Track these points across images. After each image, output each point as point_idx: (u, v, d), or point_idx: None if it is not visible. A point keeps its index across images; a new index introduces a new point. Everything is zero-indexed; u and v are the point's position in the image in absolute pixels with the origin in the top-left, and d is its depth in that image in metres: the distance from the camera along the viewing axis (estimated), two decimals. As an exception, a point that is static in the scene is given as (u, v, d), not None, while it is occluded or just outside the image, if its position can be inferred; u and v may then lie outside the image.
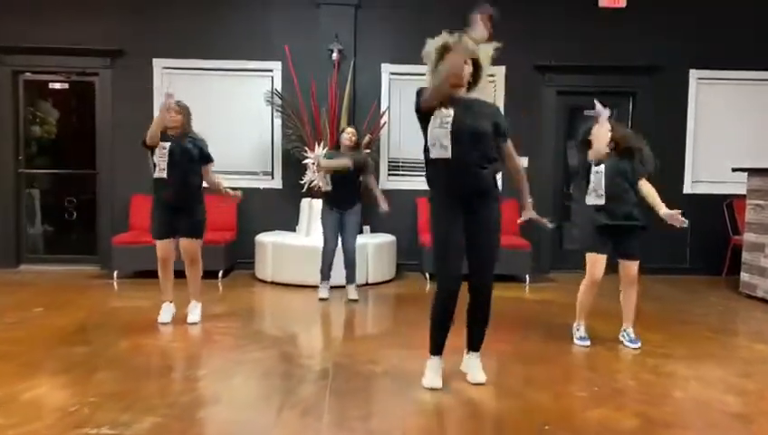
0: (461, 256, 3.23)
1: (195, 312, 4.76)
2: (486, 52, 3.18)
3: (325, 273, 5.71)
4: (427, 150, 3.26)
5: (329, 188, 5.59)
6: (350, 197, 5.61)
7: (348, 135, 5.63)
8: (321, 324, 5.07)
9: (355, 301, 5.62)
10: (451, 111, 3.13)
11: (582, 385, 3.51)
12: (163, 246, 4.62)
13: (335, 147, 5.80)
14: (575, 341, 4.28)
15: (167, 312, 4.71)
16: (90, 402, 3.04)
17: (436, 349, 3.37)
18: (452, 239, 3.21)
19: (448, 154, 3.12)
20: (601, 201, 4.11)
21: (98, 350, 4.02)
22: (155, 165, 4.55)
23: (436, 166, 3.22)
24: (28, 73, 7.23)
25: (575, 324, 4.36)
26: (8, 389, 3.23)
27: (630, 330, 4.28)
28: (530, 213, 3.49)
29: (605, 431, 2.84)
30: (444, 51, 3.19)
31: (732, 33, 7.26)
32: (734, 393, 3.39)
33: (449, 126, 3.11)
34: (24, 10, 6.98)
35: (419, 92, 3.23)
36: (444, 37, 3.23)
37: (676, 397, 3.33)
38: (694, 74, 7.36)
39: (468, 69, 3.19)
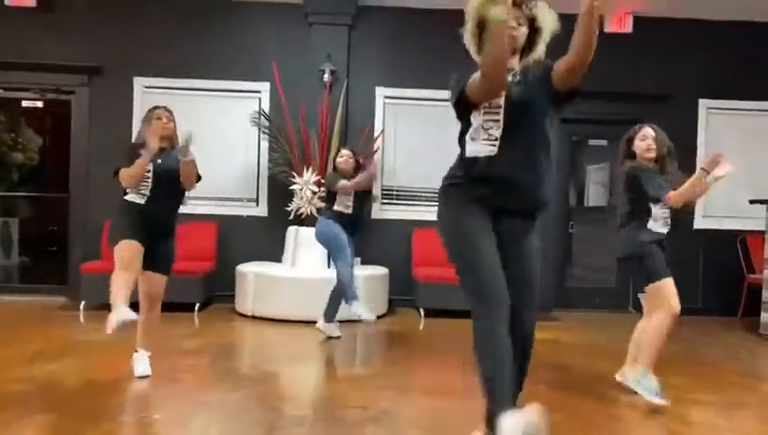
0: (499, 267, 2.32)
1: (145, 362, 3.80)
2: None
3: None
4: (462, 144, 2.47)
5: (349, 211, 5.04)
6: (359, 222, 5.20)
7: (344, 157, 5.17)
8: (303, 363, 4.53)
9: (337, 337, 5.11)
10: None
11: (604, 437, 3.00)
12: (132, 246, 3.63)
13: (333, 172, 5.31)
14: (649, 397, 3.43)
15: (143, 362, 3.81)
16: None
17: (501, 401, 2.17)
18: (485, 245, 2.33)
19: (495, 150, 2.33)
20: (666, 229, 3.63)
21: (42, 388, 3.49)
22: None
23: (473, 168, 2.39)
24: (0, 90, 6.82)
25: (639, 376, 3.52)
26: None
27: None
28: None
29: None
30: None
31: (743, 62, 6.95)
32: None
33: (500, 111, 2.34)
34: (-1, 23, 6.62)
35: (459, 79, 2.42)
36: None
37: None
38: (704, 104, 7.02)
39: (523, 29, 2.43)
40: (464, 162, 2.43)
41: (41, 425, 2.88)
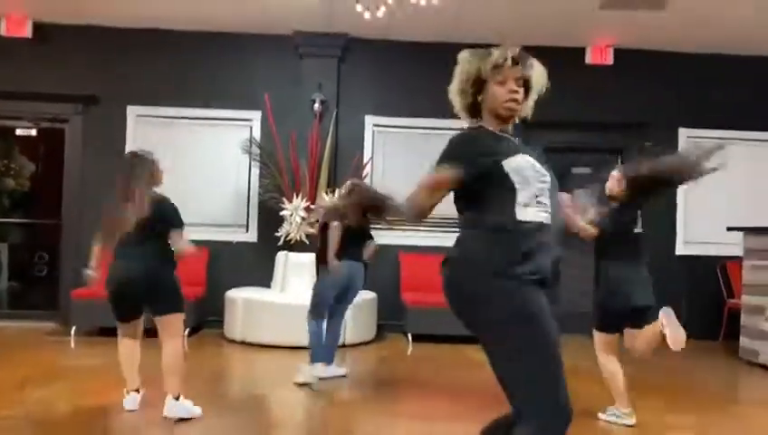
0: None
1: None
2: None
3: None
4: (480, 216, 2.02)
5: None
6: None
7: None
8: (291, 389, 4.60)
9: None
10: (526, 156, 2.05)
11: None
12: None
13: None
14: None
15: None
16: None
17: None
18: (556, 345, 1.93)
19: (546, 216, 2.02)
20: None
21: (29, 413, 3.55)
22: None
23: (516, 235, 1.96)
24: (-5, 118, 6.95)
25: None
26: None
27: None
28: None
29: None
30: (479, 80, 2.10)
31: (720, 91, 7.17)
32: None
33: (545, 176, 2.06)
34: (-6, 53, 6.75)
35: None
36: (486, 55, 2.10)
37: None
38: (683, 133, 7.23)
39: (521, 92, 2.13)
40: (511, 236, 1.96)
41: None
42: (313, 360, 4.56)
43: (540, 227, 1.97)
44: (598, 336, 3.76)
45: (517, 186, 1.97)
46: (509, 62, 2.05)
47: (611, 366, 3.72)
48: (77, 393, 3.99)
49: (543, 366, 1.88)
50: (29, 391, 3.99)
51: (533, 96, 2.21)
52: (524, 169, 2.00)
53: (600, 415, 3.75)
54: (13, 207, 7.44)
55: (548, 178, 2.05)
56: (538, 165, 2.05)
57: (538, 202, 1.99)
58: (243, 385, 4.80)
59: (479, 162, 2.00)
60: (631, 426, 3.63)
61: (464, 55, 2.15)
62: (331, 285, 4.60)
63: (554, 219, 2.05)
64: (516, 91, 2.09)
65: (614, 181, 3.81)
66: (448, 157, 2.06)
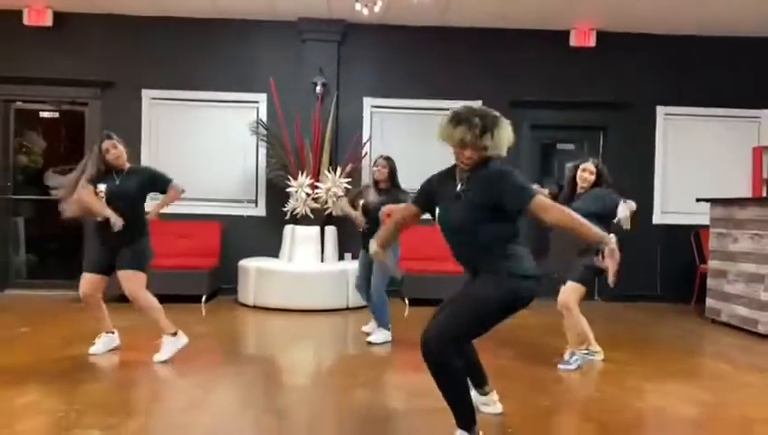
0: None
1: (162, 349, 4.31)
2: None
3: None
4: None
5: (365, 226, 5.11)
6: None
7: (378, 168, 5.14)
8: (300, 345, 5.21)
9: (370, 343, 5.03)
10: None
11: (548, 396, 3.70)
12: (87, 281, 4.32)
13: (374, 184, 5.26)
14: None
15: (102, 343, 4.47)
16: (77, 409, 3.18)
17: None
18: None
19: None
20: None
21: (82, 364, 4.14)
22: None
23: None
24: (19, 102, 7.42)
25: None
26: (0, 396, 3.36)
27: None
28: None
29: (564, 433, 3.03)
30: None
31: (696, 72, 7.66)
32: (690, 404, 3.61)
33: None
34: (17, 40, 7.20)
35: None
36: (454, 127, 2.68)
37: (636, 407, 3.52)
38: (661, 110, 7.73)
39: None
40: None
41: (89, 391, 3.54)
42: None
43: None
44: (577, 288, 4.31)
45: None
46: (468, 137, 2.64)
47: (579, 313, 4.32)
48: (115, 349, 4.56)
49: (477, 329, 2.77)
50: (77, 347, 4.57)
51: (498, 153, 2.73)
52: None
53: (565, 366, 4.25)
54: (29, 181, 7.90)
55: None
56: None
57: None
58: (258, 342, 5.39)
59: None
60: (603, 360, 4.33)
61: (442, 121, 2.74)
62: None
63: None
64: (469, 157, 2.68)
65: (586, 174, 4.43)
66: None
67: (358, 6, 5.30)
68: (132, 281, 4.25)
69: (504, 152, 2.74)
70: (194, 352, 4.61)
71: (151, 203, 4.56)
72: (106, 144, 4.31)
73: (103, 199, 4.20)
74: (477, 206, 2.67)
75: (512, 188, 2.62)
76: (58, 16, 7.19)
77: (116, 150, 4.32)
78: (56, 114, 7.57)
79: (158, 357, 4.23)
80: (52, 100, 7.40)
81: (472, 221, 2.69)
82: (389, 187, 5.11)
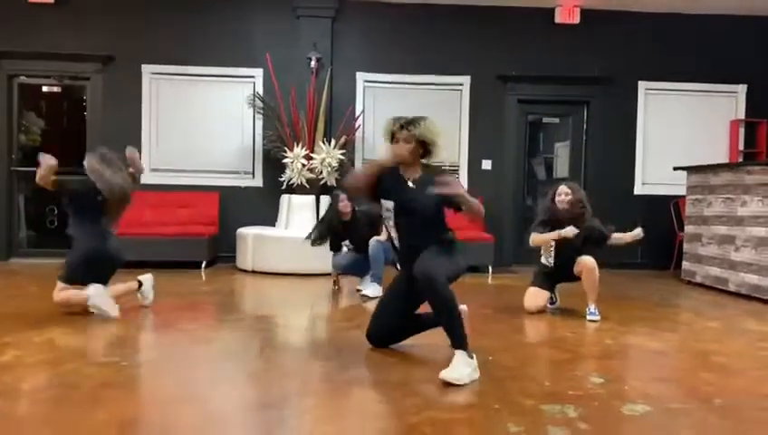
0: None
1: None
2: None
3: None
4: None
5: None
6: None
7: (342, 203, 5.56)
8: (297, 299, 5.51)
9: (363, 296, 5.43)
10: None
11: (527, 334, 4.02)
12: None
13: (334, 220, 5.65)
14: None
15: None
16: (94, 343, 3.48)
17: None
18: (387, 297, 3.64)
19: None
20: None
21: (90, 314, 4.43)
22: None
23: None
24: (23, 77, 7.65)
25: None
26: (22, 334, 3.65)
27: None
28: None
29: (540, 360, 3.35)
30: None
31: (676, 48, 7.97)
32: (656, 340, 3.94)
33: None
34: (21, 17, 7.43)
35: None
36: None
37: (606, 342, 3.85)
38: (642, 85, 8.03)
39: (408, 147, 3.32)
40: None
41: (103, 331, 3.84)
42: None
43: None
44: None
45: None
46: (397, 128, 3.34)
47: None
48: (125, 299, 4.85)
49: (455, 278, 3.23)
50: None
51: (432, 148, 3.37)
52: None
53: (594, 317, 4.54)
54: (33, 151, 8.09)
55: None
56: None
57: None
58: (256, 300, 5.69)
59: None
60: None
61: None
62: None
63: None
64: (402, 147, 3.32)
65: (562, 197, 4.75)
66: None
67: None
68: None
69: (435, 148, 3.40)
70: (198, 305, 4.93)
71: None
72: None
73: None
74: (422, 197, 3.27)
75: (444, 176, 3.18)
76: (60, -7, 7.43)
77: None
78: (58, 89, 7.79)
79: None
80: (54, 74, 7.63)
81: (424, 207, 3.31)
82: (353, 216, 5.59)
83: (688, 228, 6.72)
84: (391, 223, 3.36)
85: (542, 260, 4.83)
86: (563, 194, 4.74)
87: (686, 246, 6.76)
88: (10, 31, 7.44)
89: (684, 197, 7.31)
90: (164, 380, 2.94)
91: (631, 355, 3.62)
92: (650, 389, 2.91)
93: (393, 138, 3.33)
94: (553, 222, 4.68)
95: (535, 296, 4.75)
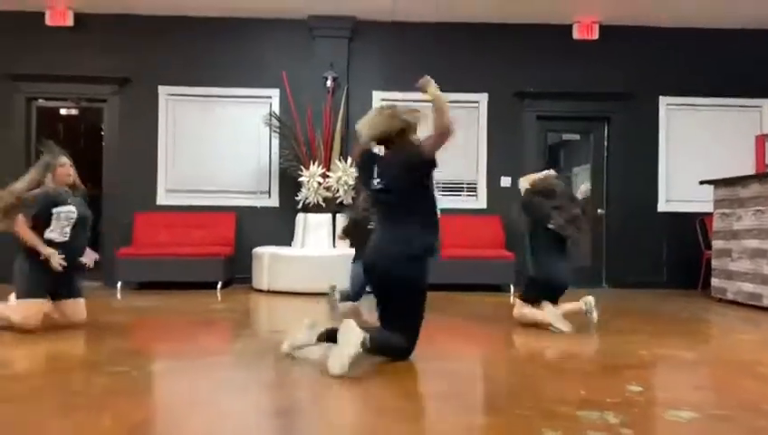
0: None
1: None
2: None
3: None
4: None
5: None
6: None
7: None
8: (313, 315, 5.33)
9: None
10: None
11: (553, 346, 3.84)
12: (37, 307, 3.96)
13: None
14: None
15: None
16: (105, 355, 3.35)
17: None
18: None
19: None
20: None
21: (107, 328, 4.32)
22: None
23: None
24: (41, 100, 7.68)
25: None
26: (33, 346, 3.54)
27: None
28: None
29: (570, 370, 3.17)
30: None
31: (697, 63, 7.84)
32: (691, 351, 3.74)
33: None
34: (40, 40, 7.49)
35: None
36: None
37: (640, 353, 3.65)
38: (663, 101, 7.89)
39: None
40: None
41: (113, 343, 3.71)
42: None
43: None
44: None
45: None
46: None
47: None
48: (144, 317, 4.76)
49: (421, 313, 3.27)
50: (99, 316, 4.75)
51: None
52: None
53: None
54: None
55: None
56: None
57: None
58: (271, 318, 5.55)
59: None
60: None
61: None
62: None
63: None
64: None
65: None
66: None
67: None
68: (80, 307, 4.24)
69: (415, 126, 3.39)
70: (211, 321, 4.80)
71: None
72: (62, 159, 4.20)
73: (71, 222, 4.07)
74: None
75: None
76: (78, 17, 7.48)
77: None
78: (75, 112, 7.82)
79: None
80: (72, 97, 7.65)
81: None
82: None
83: (717, 244, 6.50)
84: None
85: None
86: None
87: (714, 263, 6.53)
88: (29, 54, 7.50)
89: (710, 214, 7.11)
90: (174, 387, 2.81)
91: (667, 365, 3.42)
92: (692, 396, 2.72)
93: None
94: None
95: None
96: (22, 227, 3.91)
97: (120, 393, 2.61)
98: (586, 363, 3.37)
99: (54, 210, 3.97)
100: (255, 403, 2.60)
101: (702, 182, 6.73)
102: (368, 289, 5.39)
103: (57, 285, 4.05)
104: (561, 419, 2.34)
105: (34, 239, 3.91)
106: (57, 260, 3.89)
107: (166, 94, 7.66)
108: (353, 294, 5.53)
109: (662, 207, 7.89)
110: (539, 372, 3.17)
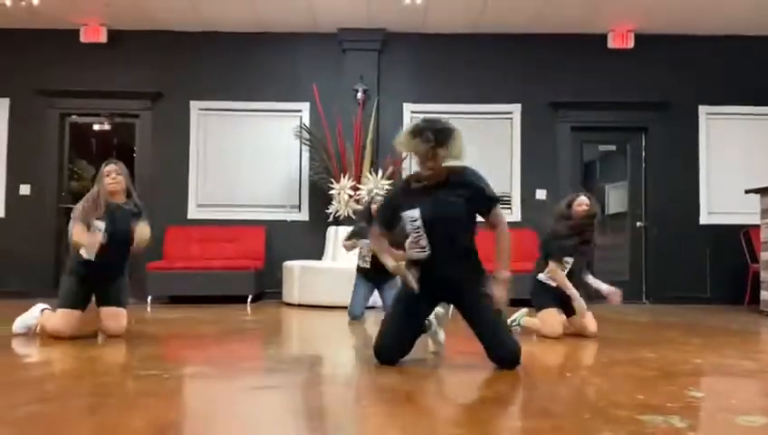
0: None
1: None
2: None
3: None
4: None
5: (366, 265, 5.36)
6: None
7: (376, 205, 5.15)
8: (343, 331, 5.19)
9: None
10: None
11: (598, 354, 3.63)
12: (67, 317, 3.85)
13: (367, 217, 5.37)
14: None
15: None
16: (136, 359, 3.25)
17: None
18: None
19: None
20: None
21: (138, 336, 4.23)
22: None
23: None
24: (74, 116, 7.75)
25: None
26: (67, 350, 3.45)
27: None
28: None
29: (623, 376, 2.97)
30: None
31: (736, 70, 7.62)
32: (749, 360, 3.51)
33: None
34: (74, 57, 7.59)
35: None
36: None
37: (695, 361, 3.43)
38: (702, 110, 7.66)
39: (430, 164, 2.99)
40: None
41: (146, 349, 3.61)
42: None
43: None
44: None
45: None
46: (424, 148, 2.92)
47: None
48: (172, 329, 4.66)
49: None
50: (131, 328, 4.68)
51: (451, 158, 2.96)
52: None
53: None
54: (75, 202, 8.18)
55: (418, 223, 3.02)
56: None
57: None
58: (302, 331, 5.42)
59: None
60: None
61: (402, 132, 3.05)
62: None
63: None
64: (431, 168, 2.97)
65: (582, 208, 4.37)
66: None
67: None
68: (120, 316, 4.02)
69: (461, 159, 2.98)
70: (243, 331, 4.69)
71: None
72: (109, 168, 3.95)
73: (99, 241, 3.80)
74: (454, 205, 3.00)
75: (484, 186, 3.05)
76: (112, 34, 7.58)
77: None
78: (108, 127, 7.86)
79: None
80: (105, 112, 7.71)
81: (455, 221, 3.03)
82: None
83: (765, 255, 6.21)
84: (420, 233, 3.02)
85: (543, 278, 4.40)
86: (584, 205, 4.36)
87: (763, 275, 6.24)
88: (64, 71, 7.59)
89: (755, 226, 6.84)
90: (204, 391, 2.68)
91: (727, 373, 3.19)
92: (762, 402, 2.51)
93: (416, 155, 2.99)
94: (576, 233, 4.30)
95: (556, 318, 4.27)
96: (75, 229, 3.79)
97: (150, 395, 2.50)
98: (637, 370, 3.15)
99: (92, 224, 3.80)
100: (287, 405, 2.46)
101: (748, 191, 6.47)
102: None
103: (92, 297, 3.96)
104: (623, 422, 2.15)
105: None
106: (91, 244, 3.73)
107: (197, 109, 7.68)
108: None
109: (704, 219, 7.63)
110: (587, 378, 2.98)
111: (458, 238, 3.05)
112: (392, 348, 3.10)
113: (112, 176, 3.88)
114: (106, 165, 3.94)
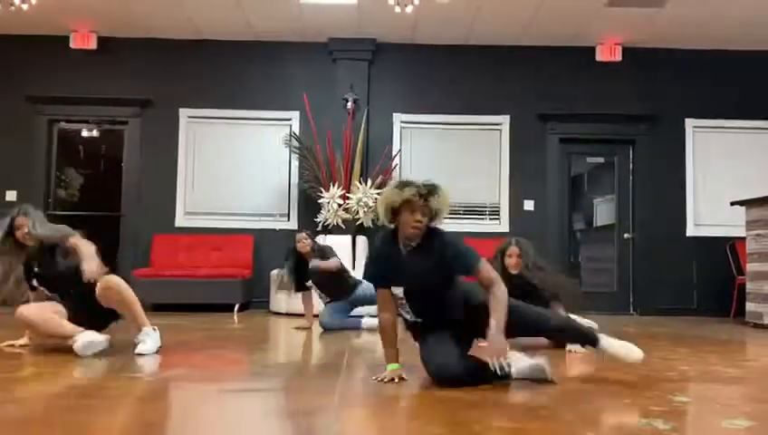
0: None
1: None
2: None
3: None
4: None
5: (327, 299, 5.37)
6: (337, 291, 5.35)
7: (300, 243, 5.25)
8: (333, 337, 5.18)
9: None
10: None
11: (586, 362, 3.64)
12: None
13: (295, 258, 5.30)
14: None
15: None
16: (120, 363, 3.22)
17: None
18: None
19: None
20: None
21: (122, 341, 4.18)
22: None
23: None
24: (63, 122, 7.71)
25: None
26: (45, 356, 3.41)
27: None
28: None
29: (609, 381, 2.97)
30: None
31: (722, 84, 7.70)
32: (735, 367, 3.53)
33: None
34: (64, 63, 7.56)
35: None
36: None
37: (681, 368, 3.44)
38: (690, 123, 7.73)
39: (425, 220, 2.80)
40: None
41: (131, 356, 3.58)
42: None
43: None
44: None
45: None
46: (417, 198, 2.72)
47: None
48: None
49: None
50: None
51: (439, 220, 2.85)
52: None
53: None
54: (63, 219, 8.09)
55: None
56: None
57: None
58: (288, 337, 5.38)
59: None
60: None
61: (387, 189, 2.89)
62: None
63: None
64: (419, 222, 2.75)
65: (513, 259, 4.15)
66: None
67: (391, 1, 5.50)
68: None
69: (443, 217, 2.83)
70: (229, 337, 4.66)
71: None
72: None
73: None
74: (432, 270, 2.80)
75: (458, 255, 2.81)
76: (102, 40, 7.56)
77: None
78: (96, 134, 7.83)
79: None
80: (94, 119, 7.68)
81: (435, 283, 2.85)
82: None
83: (751, 266, 6.25)
84: (404, 303, 2.89)
85: None
86: (514, 256, 4.14)
87: (749, 286, 6.27)
88: (53, 77, 7.55)
89: (740, 238, 6.88)
90: (188, 393, 2.65)
91: (713, 379, 3.19)
92: (746, 407, 2.51)
93: (407, 206, 2.73)
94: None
95: None
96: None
97: (133, 396, 2.47)
98: (623, 375, 3.15)
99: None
100: (270, 407, 2.44)
101: (733, 203, 6.52)
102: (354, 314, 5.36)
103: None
104: (608, 425, 2.15)
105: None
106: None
107: (186, 117, 7.66)
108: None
109: (691, 231, 7.67)
110: (573, 384, 2.98)
111: (444, 300, 2.89)
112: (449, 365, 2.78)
113: (24, 230, 3.57)
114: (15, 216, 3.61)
